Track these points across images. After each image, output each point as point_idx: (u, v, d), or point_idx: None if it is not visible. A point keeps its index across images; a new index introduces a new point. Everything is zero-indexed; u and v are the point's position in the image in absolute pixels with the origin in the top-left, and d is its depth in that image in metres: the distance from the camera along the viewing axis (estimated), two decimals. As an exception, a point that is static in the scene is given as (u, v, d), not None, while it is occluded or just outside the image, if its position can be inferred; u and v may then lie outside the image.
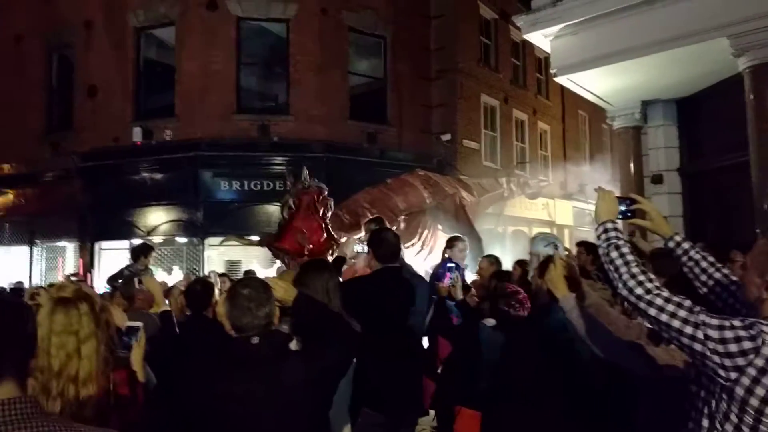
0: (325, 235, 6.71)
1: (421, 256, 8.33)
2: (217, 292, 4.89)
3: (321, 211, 6.77)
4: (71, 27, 12.92)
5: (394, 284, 3.37)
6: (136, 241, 12.28)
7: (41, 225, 13.04)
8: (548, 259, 2.56)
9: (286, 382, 2.04)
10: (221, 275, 7.77)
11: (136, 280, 4.68)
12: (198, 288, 3.86)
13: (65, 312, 1.83)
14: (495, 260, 5.77)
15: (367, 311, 3.03)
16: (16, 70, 13.65)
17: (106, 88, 12.49)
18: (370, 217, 7.59)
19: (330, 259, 6.61)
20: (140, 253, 7.12)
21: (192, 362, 2.43)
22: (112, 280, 6.59)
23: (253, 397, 1.99)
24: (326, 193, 6.96)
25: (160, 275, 9.50)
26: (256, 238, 8.71)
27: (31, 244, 13.21)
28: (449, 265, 4.51)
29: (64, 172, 12.64)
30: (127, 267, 7.18)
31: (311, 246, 6.50)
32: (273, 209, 11.92)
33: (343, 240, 6.97)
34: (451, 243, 5.90)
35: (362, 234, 7.50)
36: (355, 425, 3.04)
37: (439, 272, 5.59)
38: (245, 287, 2.13)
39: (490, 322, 3.72)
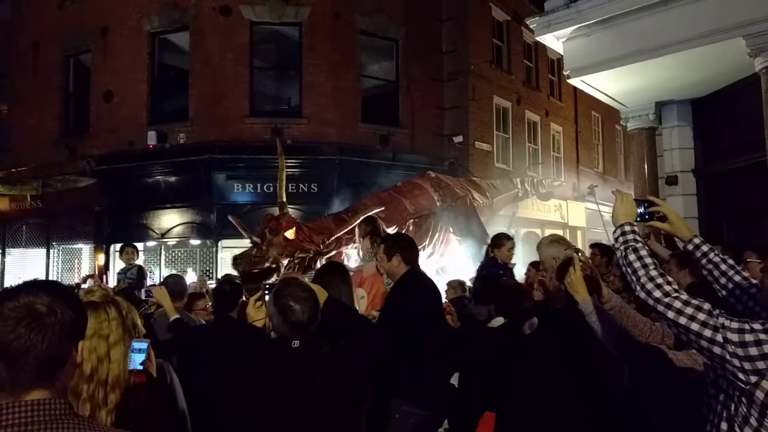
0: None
1: (433, 259, 8.31)
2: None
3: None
4: (88, 33, 13.09)
5: (431, 283, 3.43)
6: (150, 243, 12.45)
7: (57, 227, 13.22)
8: (567, 262, 2.53)
9: (320, 384, 2.04)
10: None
11: (144, 291, 4.64)
12: (227, 289, 3.86)
13: (95, 316, 1.84)
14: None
15: (426, 312, 3.09)
16: (34, 76, 13.87)
17: (122, 92, 12.65)
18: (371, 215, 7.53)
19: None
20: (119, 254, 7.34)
21: (228, 364, 2.45)
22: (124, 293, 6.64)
23: (287, 398, 2.01)
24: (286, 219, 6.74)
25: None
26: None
27: (47, 246, 13.40)
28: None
29: (80, 176, 12.82)
30: (120, 272, 7.31)
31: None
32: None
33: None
34: (498, 242, 5.60)
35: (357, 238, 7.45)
36: (393, 423, 3.04)
37: (492, 272, 5.41)
38: (292, 290, 2.14)
39: (498, 321, 3.76)
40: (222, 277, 8.75)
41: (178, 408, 2.64)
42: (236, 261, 6.55)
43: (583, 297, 2.36)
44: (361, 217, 6.95)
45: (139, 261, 12.15)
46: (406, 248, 3.38)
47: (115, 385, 1.79)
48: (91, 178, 12.31)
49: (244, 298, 3.94)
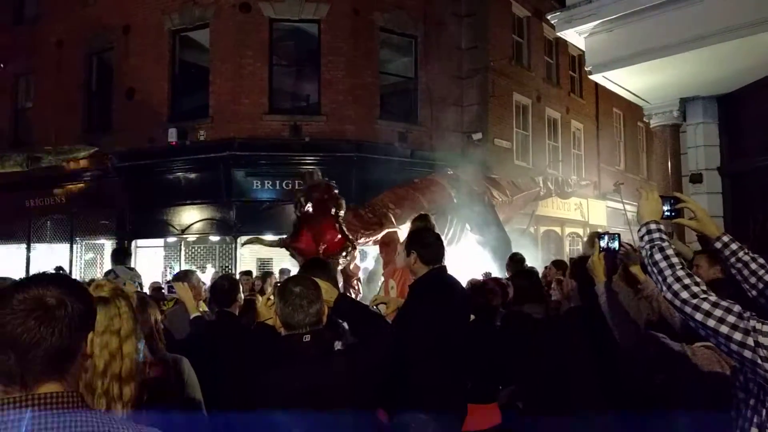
0: (339, 235, 6.64)
1: (449, 255, 8.26)
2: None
3: (333, 210, 6.65)
4: (110, 31, 13.30)
5: (454, 288, 3.21)
6: (171, 239, 12.59)
7: (81, 223, 13.44)
8: (583, 260, 2.71)
9: (333, 380, 2.04)
10: (255, 275, 7.86)
11: (167, 287, 4.67)
12: (225, 285, 3.86)
13: (105, 311, 1.83)
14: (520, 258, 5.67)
15: (442, 320, 2.94)
16: (57, 73, 14.11)
17: (143, 89, 12.81)
18: (393, 215, 7.54)
19: (343, 260, 6.58)
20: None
21: (234, 358, 2.44)
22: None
23: (300, 393, 2.00)
24: (336, 191, 6.83)
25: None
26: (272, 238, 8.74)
27: (71, 241, 13.63)
28: None
29: (102, 172, 13.02)
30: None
31: (325, 246, 6.44)
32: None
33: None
34: None
35: (382, 233, 7.48)
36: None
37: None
38: (297, 285, 2.16)
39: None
40: (239, 273, 8.83)
41: (194, 402, 2.65)
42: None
43: (600, 280, 2.52)
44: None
45: (161, 258, 12.24)
46: (425, 247, 3.10)
47: (129, 379, 1.79)
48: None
49: (242, 295, 3.96)
